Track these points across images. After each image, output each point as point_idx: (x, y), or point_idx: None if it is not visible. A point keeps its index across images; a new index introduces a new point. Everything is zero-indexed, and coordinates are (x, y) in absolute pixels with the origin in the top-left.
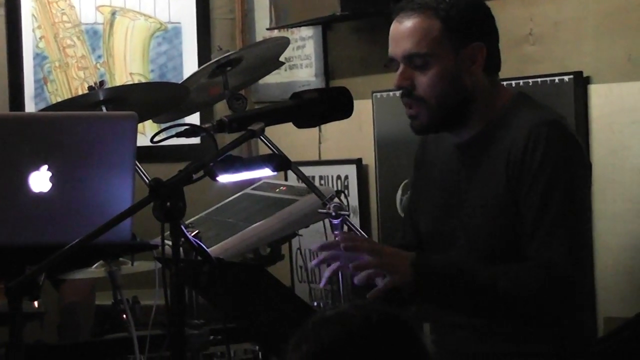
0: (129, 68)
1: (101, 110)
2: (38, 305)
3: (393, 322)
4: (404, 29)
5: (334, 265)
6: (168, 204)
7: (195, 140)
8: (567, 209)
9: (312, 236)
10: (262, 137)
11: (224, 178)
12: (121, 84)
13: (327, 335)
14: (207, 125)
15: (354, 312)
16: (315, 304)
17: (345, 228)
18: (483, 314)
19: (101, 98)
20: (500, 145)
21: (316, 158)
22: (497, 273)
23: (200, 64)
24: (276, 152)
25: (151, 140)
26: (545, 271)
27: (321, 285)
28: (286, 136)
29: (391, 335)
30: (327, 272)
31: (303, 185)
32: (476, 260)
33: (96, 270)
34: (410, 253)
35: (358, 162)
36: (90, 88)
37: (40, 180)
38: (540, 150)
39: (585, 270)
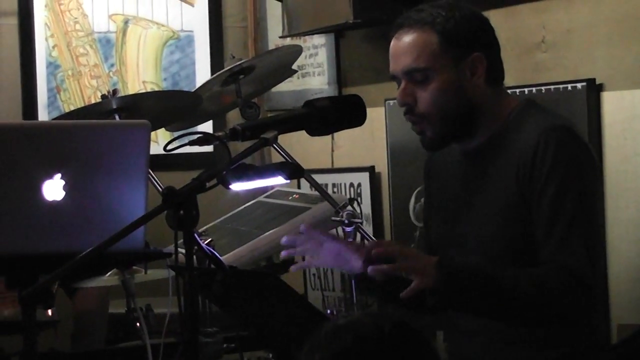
0: (141, 76)
1: (114, 118)
2: (52, 313)
3: (405, 330)
4: (402, 45)
5: (307, 262)
6: (181, 212)
7: (208, 148)
8: (580, 212)
9: None
10: (275, 145)
11: (237, 186)
12: (134, 92)
13: (339, 343)
14: (220, 134)
15: (366, 320)
16: (329, 311)
17: (358, 236)
18: (505, 317)
19: (114, 106)
20: (509, 151)
21: (329, 166)
22: (519, 276)
23: (212, 72)
24: (289, 160)
25: (164, 149)
26: (566, 274)
27: (292, 269)
28: (299, 144)
29: (403, 343)
30: (301, 265)
31: (316, 193)
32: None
33: (109, 278)
34: (433, 256)
35: (371, 170)
36: (103, 96)
37: (53, 189)
38: (550, 154)
39: (599, 272)
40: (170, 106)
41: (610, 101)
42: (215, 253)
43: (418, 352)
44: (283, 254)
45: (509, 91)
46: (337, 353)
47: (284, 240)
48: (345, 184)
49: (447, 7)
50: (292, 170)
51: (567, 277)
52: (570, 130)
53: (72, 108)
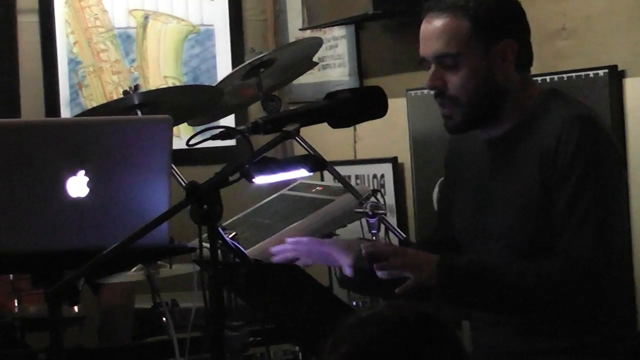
0: (162, 71)
1: (136, 114)
2: (78, 309)
3: (429, 321)
4: (433, 29)
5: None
6: (205, 206)
7: (231, 142)
8: (596, 205)
9: (349, 235)
10: (297, 138)
11: (260, 179)
12: (155, 87)
13: (364, 335)
14: (242, 127)
15: (390, 312)
16: (354, 303)
17: (382, 227)
18: (509, 311)
19: (136, 102)
20: (533, 140)
21: (351, 157)
22: (523, 269)
23: (233, 65)
24: (311, 152)
25: (187, 143)
26: (571, 265)
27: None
28: (321, 136)
29: (428, 335)
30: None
31: (339, 185)
32: (511, 255)
33: (135, 273)
34: (434, 255)
35: (393, 161)
36: (125, 92)
37: (77, 186)
38: (572, 145)
39: (616, 265)
40: (191, 101)
41: (632, 87)
42: (240, 247)
43: (443, 342)
44: (275, 259)
45: None
46: (362, 345)
47: (273, 249)
48: (368, 175)
49: None
50: (315, 162)
51: (574, 268)
52: (594, 121)
53: (94, 104)
